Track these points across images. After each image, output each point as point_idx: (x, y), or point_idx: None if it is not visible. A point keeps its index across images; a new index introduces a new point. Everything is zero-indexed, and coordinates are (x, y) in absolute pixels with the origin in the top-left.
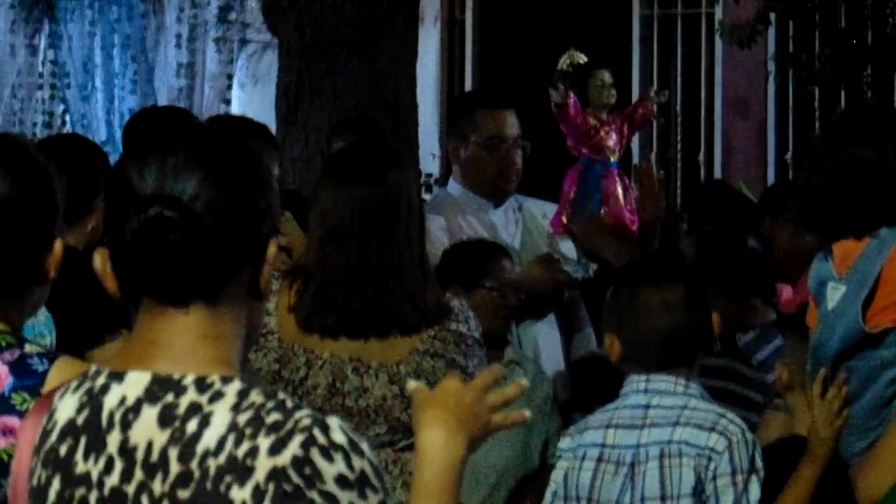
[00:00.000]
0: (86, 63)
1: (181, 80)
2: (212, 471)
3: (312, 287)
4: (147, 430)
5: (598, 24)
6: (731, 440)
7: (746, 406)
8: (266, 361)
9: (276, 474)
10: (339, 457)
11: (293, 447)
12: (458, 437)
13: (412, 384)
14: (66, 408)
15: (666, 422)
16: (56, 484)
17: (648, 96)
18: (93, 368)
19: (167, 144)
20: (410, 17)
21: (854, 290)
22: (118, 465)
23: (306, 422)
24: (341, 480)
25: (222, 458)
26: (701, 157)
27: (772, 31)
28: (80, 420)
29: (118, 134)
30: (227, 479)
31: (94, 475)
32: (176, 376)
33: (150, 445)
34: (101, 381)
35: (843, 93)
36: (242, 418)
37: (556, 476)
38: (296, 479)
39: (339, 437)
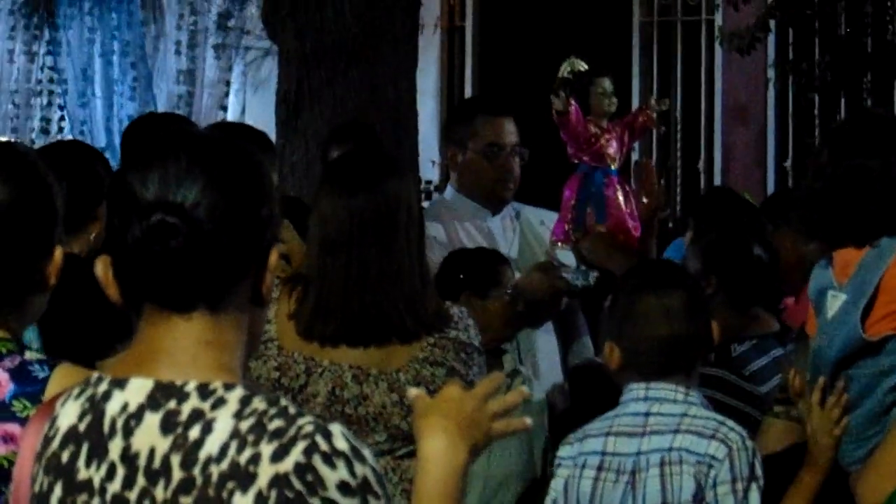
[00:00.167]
0: (85, 69)
1: (181, 87)
2: (214, 477)
3: (312, 295)
4: (149, 436)
5: (598, 31)
6: (731, 448)
7: (729, 415)
8: (266, 369)
9: (279, 481)
10: (341, 463)
11: (296, 454)
12: (459, 444)
13: (413, 392)
14: (68, 414)
15: (666, 429)
16: (58, 491)
17: (649, 104)
18: (95, 375)
19: (169, 151)
20: (410, 24)
21: (854, 298)
22: (120, 472)
23: (309, 428)
24: (343, 487)
25: (225, 465)
26: (701, 164)
27: (772, 39)
28: (82, 427)
29: (118, 140)
30: (230, 485)
31: (96, 482)
32: (178, 383)
33: (152, 452)
34: (103, 387)
35: (843, 100)
36: (245, 425)
37: (556, 484)
38: (298, 485)
39: (341, 444)
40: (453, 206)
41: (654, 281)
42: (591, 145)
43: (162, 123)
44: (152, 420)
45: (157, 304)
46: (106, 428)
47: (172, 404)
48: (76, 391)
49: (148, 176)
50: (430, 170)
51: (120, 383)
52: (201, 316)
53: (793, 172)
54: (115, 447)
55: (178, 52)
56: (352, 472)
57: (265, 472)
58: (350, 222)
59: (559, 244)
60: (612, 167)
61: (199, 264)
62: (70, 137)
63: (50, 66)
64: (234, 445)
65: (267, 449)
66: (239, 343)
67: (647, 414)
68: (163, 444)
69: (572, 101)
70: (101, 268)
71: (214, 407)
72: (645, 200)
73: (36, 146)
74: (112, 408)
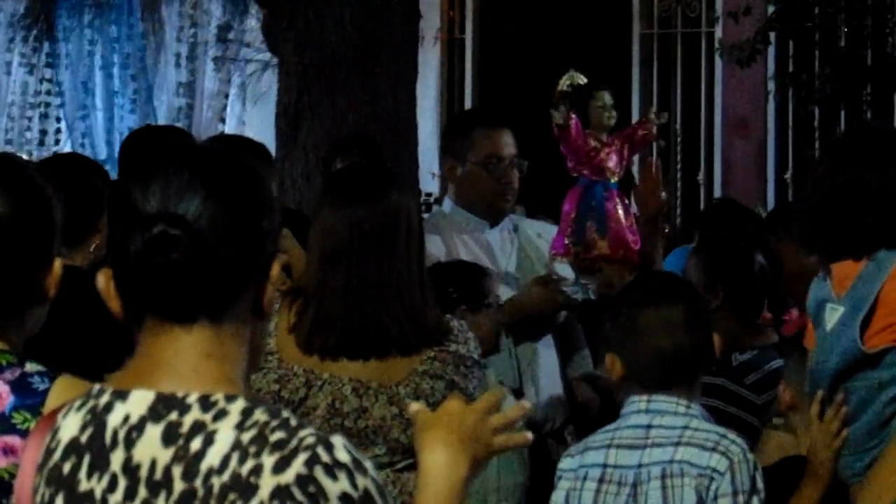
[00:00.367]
0: (85, 82)
1: (180, 99)
2: (216, 489)
3: (312, 307)
4: (151, 448)
5: (598, 43)
6: (732, 460)
7: (729, 423)
8: (266, 382)
9: (281, 492)
10: (343, 475)
11: (297, 465)
12: (460, 458)
13: (414, 406)
14: (70, 426)
15: (667, 442)
16: (59, 502)
17: (648, 118)
18: (96, 387)
19: (171, 164)
20: (410, 36)
21: (852, 311)
22: (122, 483)
23: (310, 440)
24: (345, 499)
25: (226, 476)
26: (701, 176)
27: (772, 51)
28: (83, 438)
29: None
30: (231, 496)
31: (98, 493)
32: (180, 394)
33: (153, 463)
34: (104, 399)
35: (842, 112)
36: (246, 436)
37: (558, 497)
38: (300, 497)
39: (343, 456)
40: (452, 219)
41: (655, 294)
42: (591, 159)
43: (160, 136)
44: (154, 432)
45: (158, 315)
46: (107, 439)
47: (174, 416)
48: (78, 403)
49: (150, 188)
50: (429, 182)
51: (121, 395)
52: (203, 328)
53: (793, 185)
54: (116, 459)
55: (177, 65)
56: (353, 484)
57: (267, 483)
58: (350, 234)
59: (559, 258)
60: (613, 181)
61: (201, 276)
62: (68, 149)
63: (48, 78)
64: (235, 457)
65: (268, 460)
66: (240, 354)
67: (648, 426)
68: (164, 456)
69: (572, 115)
70: (103, 281)
71: (216, 418)
72: (647, 203)
73: (34, 159)
74: (114, 419)
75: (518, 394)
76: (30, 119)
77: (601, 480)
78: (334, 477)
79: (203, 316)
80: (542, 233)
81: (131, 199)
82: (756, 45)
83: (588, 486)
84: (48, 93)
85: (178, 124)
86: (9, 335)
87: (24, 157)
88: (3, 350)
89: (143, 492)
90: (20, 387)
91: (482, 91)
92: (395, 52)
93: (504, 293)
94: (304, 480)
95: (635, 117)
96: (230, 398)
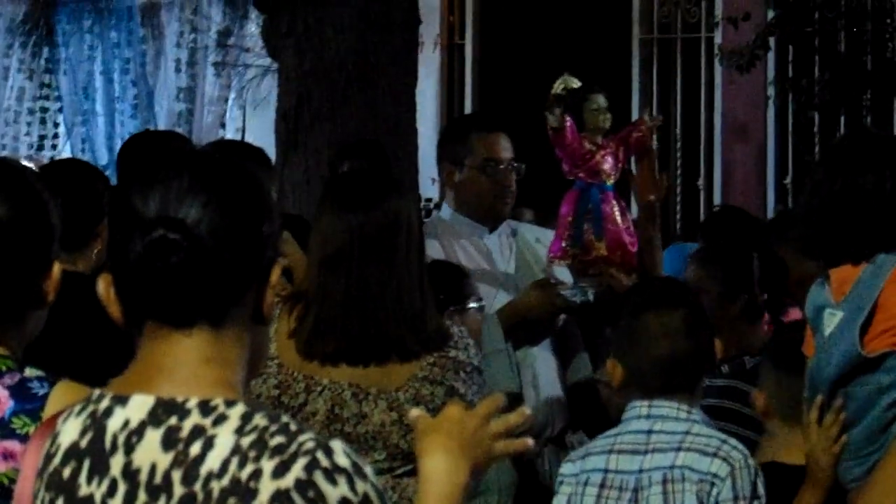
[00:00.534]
0: (85, 87)
1: (181, 105)
2: (215, 493)
3: (312, 313)
4: (150, 452)
5: (598, 48)
6: (733, 466)
7: (744, 424)
8: (266, 387)
9: (280, 497)
10: (342, 480)
11: (297, 470)
12: (460, 463)
13: (414, 412)
14: (70, 431)
15: (668, 447)
16: None
17: (643, 120)
18: (96, 392)
19: (171, 169)
20: (410, 41)
21: (851, 315)
22: (122, 488)
23: (310, 445)
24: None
25: (226, 481)
26: (700, 181)
27: (771, 56)
28: (83, 443)
29: None
30: (231, 501)
31: (98, 498)
32: (179, 399)
33: (153, 468)
34: (104, 404)
35: (842, 117)
36: (246, 441)
37: (559, 502)
38: (299, 501)
39: (342, 461)
40: (450, 225)
41: (656, 300)
42: (586, 161)
43: (158, 141)
44: (153, 436)
45: (158, 320)
46: (107, 444)
47: (174, 420)
48: (77, 408)
49: (150, 193)
50: (429, 187)
51: (121, 400)
52: (202, 332)
53: (793, 190)
54: (116, 463)
55: (178, 70)
56: (353, 489)
57: (266, 488)
58: (350, 240)
59: (557, 261)
60: (608, 183)
61: (200, 280)
62: (67, 154)
63: (47, 83)
64: (235, 461)
65: (268, 465)
66: (240, 359)
67: (649, 432)
68: (164, 460)
69: (567, 118)
70: (103, 286)
71: (216, 423)
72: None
73: (32, 163)
74: (113, 424)
75: (517, 398)
76: (29, 124)
77: (602, 486)
78: (334, 482)
79: (203, 321)
80: (540, 237)
81: (131, 203)
82: (756, 51)
83: (589, 491)
84: (47, 98)
85: (179, 129)
86: (8, 340)
87: (24, 162)
88: (2, 355)
89: (142, 496)
90: (19, 392)
91: (482, 96)
92: (395, 58)
93: (503, 298)
94: (303, 485)
95: None
96: (230, 403)
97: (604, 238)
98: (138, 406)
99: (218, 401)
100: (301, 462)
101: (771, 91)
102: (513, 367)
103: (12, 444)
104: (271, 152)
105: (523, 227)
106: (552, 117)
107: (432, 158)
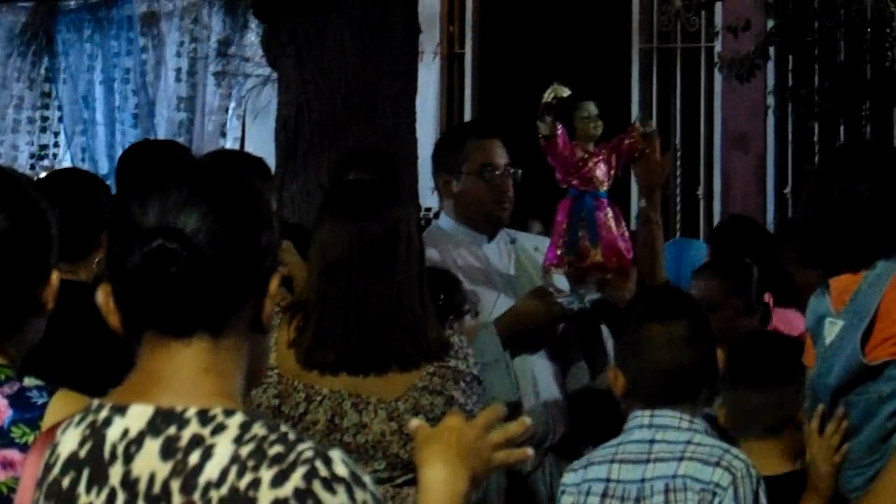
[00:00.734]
0: (85, 96)
1: (181, 114)
2: (214, 502)
3: (312, 323)
4: (149, 462)
5: (598, 57)
6: (735, 475)
7: None
8: (266, 397)
9: None
10: (341, 489)
11: (295, 479)
12: (460, 473)
13: (414, 423)
14: (69, 441)
15: (670, 456)
16: None
17: (634, 126)
18: (95, 402)
19: (170, 179)
20: (410, 51)
21: (852, 323)
22: (120, 498)
23: (309, 454)
24: None
25: (225, 490)
26: (700, 190)
27: (771, 66)
28: (82, 453)
29: None
30: None
31: None
32: (178, 409)
33: (152, 477)
34: (103, 414)
35: (842, 127)
36: (245, 450)
37: None
38: None
39: (341, 470)
40: (449, 234)
41: (659, 309)
42: (578, 169)
43: (158, 150)
44: (152, 446)
45: (157, 330)
46: (106, 454)
47: (172, 430)
48: (77, 418)
49: (148, 203)
50: (429, 196)
51: (120, 410)
52: (201, 342)
53: (792, 199)
54: (115, 473)
55: (178, 79)
56: (352, 498)
57: (265, 497)
58: (350, 249)
59: (553, 268)
60: (602, 190)
61: (199, 290)
62: (66, 163)
63: (47, 92)
64: (233, 471)
65: (267, 474)
66: (239, 369)
67: (651, 441)
68: (163, 470)
69: (558, 126)
70: (102, 296)
71: (214, 433)
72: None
73: (32, 173)
74: (112, 434)
75: (516, 407)
76: (29, 133)
77: (604, 495)
78: (333, 491)
79: (202, 330)
80: (538, 246)
81: (130, 213)
82: (755, 60)
83: (591, 500)
84: (47, 107)
85: (180, 139)
86: (7, 349)
87: (26, 171)
88: (1, 364)
89: None
90: (19, 401)
91: (482, 106)
92: (395, 67)
93: (502, 307)
94: (302, 494)
95: None
96: (228, 412)
97: (599, 244)
98: (137, 416)
99: (217, 410)
100: (300, 471)
101: (771, 100)
102: (511, 377)
103: (11, 453)
104: (271, 162)
105: (521, 236)
106: (543, 126)
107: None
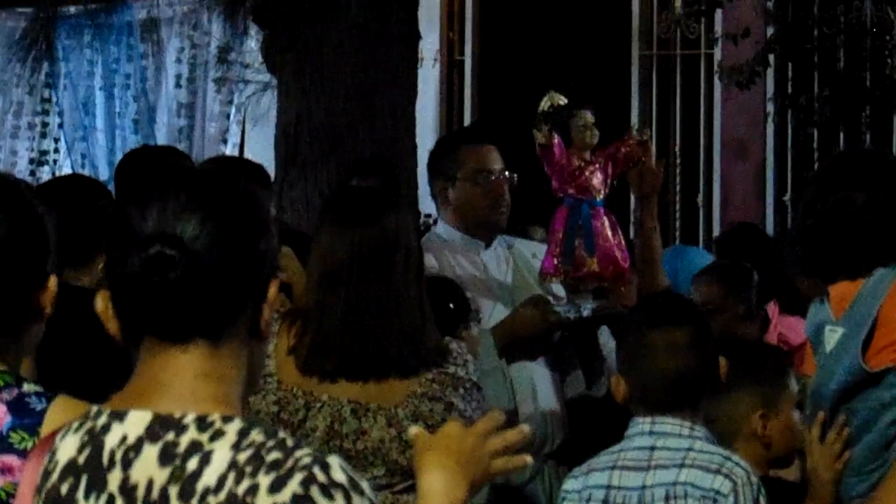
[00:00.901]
0: (85, 102)
1: (181, 120)
2: None
3: (311, 330)
4: (148, 468)
5: (598, 64)
6: (736, 482)
7: None
8: (265, 404)
9: None
10: (339, 495)
11: (293, 485)
12: (458, 480)
13: (413, 430)
14: (68, 447)
15: (671, 463)
16: None
17: (630, 134)
18: (94, 408)
19: (169, 186)
20: (410, 57)
21: (852, 331)
22: (119, 503)
23: (306, 460)
24: None
25: (222, 496)
26: (700, 198)
27: (771, 73)
28: (81, 459)
29: None
30: None
31: None
32: (177, 415)
33: (150, 483)
34: (102, 420)
35: (842, 134)
36: (243, 456)
37: None
38: None
39: (339, 476)
40: (446, 241)
41: (660, 316)
42: (575, 178)
43: (157, 157)
44: (151, 452)
45: (155, 336)
46: (105, 460)
47: (171, 436)
48: (76, 424)
49: (147, 209)
50: (429, 202)
51: (119, 416)
52: (199, 348)
53: (792, 207)
54: (113, 479)
55: (178, 86)
56: None
57: (263, 503)
58: (349, 256)
59: (549, 277)
60: (598, 198)
61: (198, 297)
62: (66, 170)
63: (47, 98)
64: (231, 477)
65: (265, 480)
66: (237, 375)
67: (652, 448)
68: (161, 476)
69: (555, 134)
70: (101, 302)
71: (213, 439)
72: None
73: (32, 179)
74: (111, 440)
75: (512, 416)
76: (29, 139)
77: (605, 502)
78: (330, 497)
79: (200, 337)
80: (536, 252)
81: (128, 220)
82: (755, 67)
83: None
84: (47, 113)
85: (180, 145)
86: (5, 355)
87: (25, 177)
88: (0, 370)
89: None
90: (17, 407)
91: (482, 112)
92: (395, 73)
93: (500, 313)
94: (299, 500)
95: None
96: (227, 419)
97: (595, 253)
98: (136, 422)
99: (215, 416)
100: (298, 477)
101: (770, 108)
102: (507, 386)
103: (10, 459)
104: (271, 168)
105: (519, 242)
106: (539, 134)
107: None
